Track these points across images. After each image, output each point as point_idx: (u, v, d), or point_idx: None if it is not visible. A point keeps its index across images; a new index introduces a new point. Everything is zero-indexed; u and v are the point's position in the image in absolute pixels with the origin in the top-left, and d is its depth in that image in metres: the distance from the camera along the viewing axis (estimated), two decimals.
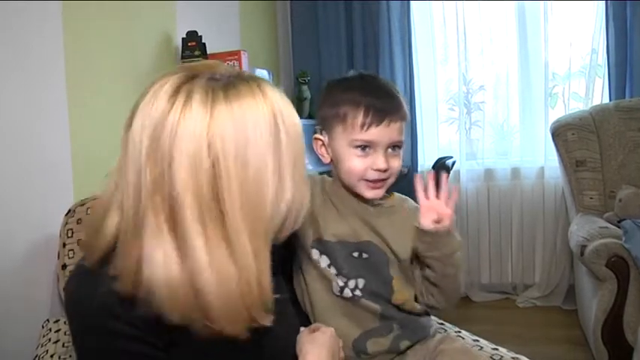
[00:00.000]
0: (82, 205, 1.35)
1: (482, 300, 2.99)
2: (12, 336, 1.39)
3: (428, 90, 3.08)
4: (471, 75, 3.03)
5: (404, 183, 2.92)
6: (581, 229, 2.10)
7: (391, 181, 1.07)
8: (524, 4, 2.88)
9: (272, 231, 0.73)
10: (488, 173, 3.00)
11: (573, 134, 2.44)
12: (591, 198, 2.38)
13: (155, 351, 0.70)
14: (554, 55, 2.87)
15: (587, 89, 2.83)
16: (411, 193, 3.01)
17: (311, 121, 2.83)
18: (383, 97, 1.04)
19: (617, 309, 1.86)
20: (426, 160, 3.06)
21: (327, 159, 1.10)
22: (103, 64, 1.73)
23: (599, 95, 2.80)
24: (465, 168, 2.98)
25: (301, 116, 2.79)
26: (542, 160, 2.88)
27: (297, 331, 0.94)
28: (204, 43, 2.03)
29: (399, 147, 1.05)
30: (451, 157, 2.58)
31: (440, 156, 2.83)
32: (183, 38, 2.02)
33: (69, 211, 1.35)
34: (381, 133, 1.01)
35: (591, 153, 2.42)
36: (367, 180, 1.03)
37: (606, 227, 2.05)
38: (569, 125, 2.46)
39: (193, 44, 2.00)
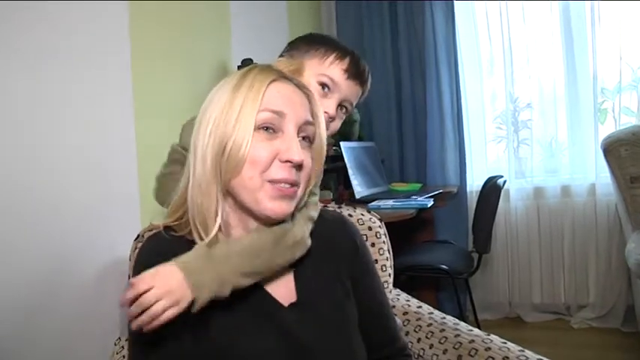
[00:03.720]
0: (150, 230, 1.41)
1: (534, 320, 2.94)
2: (84, 353, 1.46)
3: (475, 109, 3.09)
4: (518, 92, 3.02)
5: (454, 201, 2.93)
6: None
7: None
8: (570, 18, 2.86)
9: None
10: (538, 191, 2.97)
11: (626, 150, 2.39)
12: None
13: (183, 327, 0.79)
14: (602, 69, 2.83)
15: None
16: (461, 213, 3.01)
17: (362, 144, 2.88)
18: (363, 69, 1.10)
19: None
20: (474, 180, 3.05)
21: None
22: (167, 94, 1.83)
23: None
24: (515, 187, 2.95)
25: (351, 139, 2.84)
26: (594, 176, 2.83)
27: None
28: None
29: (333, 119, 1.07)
30: (501, 177, 2.56)
31: (489, 175, 2.83)
32: (238, 66, 2.10)
33: (138, 236, 1.41)
34: (350, 87, 1.07)
35: None
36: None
37: None
38: (621, 141, 2.42)
39: None
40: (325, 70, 1.06)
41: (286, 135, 0.81)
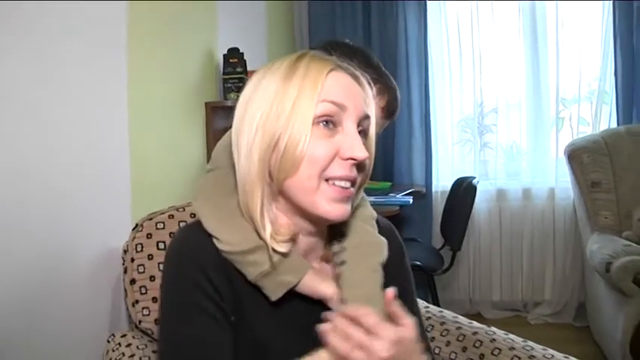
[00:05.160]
0: (150, 219, 1.35)
1: (493, 317, 3.06)
2: (77, 350, 1.39)
3: (442, 112, 3.18)
4: (484, 98, 3.13)
5: (419, 201, 3.00)
6: (605, 247, 2.18)
7: None
8: (537, 32, 3.01)
9: None
10: (501, 194, 3.09)
11: (588, 157, 2.54)
12: (606, 218, 2.48)
13: (224, 319, 0.76)
14: (563, 81, 3.00)
15: (595, 114, 2.95)
16: (425, 212, 3.06)
17: None
18: None
19: None
20: (440, 181, 3.14)
21: None
22: (156, 82, 1.77)
23: (606, 120, 2.93)
24: (479, 189, 3.04)
25: None
26: (553, 181, 2.99)
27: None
28: (245, 60, 2.07)
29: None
30: (474, 177, 2.65)
31: (454, 176, 2.92)
32: (224, 55, 2.06)
33: (136, 225, 1.35)
34: (382, 123, 1.09)
35: (605, 175, 2.53)
36: None
37: (629, 245, 2.14)
38: (584, 148, 2.57)
39: (235, 61, 2.04)
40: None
41: (347, 130, 0.73)
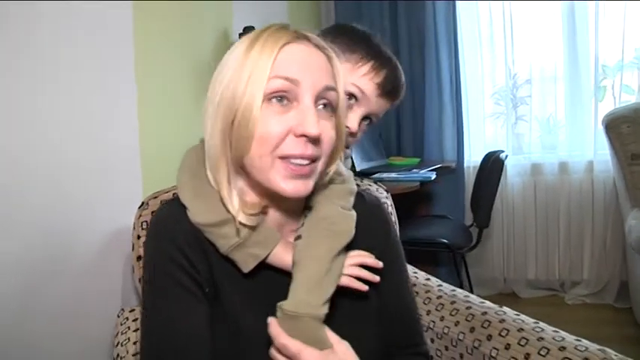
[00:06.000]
0: (155, 197, 1.36)
1: (529, 296, 2.96)
2: (87, 325, 1.42)
3: (473, 85, 3.05)
4: (517, 68, 2.98)
5: (450, 177, 2.92)
6: None
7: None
8: None
9: None
10: (535, 168, 2.95)
11: (628, 127, 2.38)
12: None
13: (200, 291, 0.77)
14: (604, 47, 2.79)
15: None
16: (457, 189, 2.98)
17: None
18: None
19: None
20: (472, 156, 3.03)
21: None
22: (168, 61, 1.76)
23: None
24: (512, 163, 2.93)
25: None
26: (592, 153, 2.82)
27: None
28: None
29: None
30: (503, 151, 2.54)
31: (486, 151, 2.81)
32: (240, 34, 2.04)
33: (142, 203, 1.36)
34: (379, 103, 1.00)
35: None
36: None
37: None
38: (624, 117, 2.40)
39: None
40: (356, 79, 0.96)
41: (302, 105, 0.71)
